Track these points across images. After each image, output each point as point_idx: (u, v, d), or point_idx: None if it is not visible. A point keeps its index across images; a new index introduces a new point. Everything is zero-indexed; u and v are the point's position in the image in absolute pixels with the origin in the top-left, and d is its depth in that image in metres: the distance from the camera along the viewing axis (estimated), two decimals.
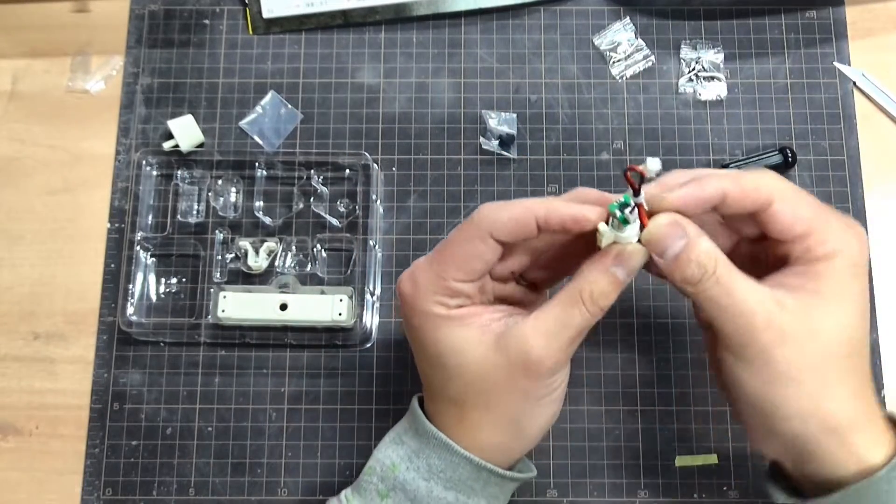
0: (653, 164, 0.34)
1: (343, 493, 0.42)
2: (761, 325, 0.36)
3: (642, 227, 0.37)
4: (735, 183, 0.37)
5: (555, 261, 0.42)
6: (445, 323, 0.39)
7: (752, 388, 0.37)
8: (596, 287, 0.37)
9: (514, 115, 0.57)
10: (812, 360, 0.36)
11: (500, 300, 0.42)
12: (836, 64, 0.59)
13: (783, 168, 0.55)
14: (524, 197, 0.42)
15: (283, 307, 0.52)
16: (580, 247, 0.39)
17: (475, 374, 0.38)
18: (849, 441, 0.36)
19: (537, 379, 0.38)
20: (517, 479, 0.42)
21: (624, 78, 0.59)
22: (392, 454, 0.41)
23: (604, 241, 0.37)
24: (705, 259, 0.36)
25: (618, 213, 0.36)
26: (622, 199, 0.36)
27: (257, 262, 0.54)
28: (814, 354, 0.36)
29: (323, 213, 0.56)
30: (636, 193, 0.36)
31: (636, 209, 0.36)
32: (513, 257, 0.41)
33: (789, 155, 0.55)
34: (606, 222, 0.37)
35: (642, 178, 0.35)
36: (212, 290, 0.54)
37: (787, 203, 0.37)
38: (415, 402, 0.42)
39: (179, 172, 0.56)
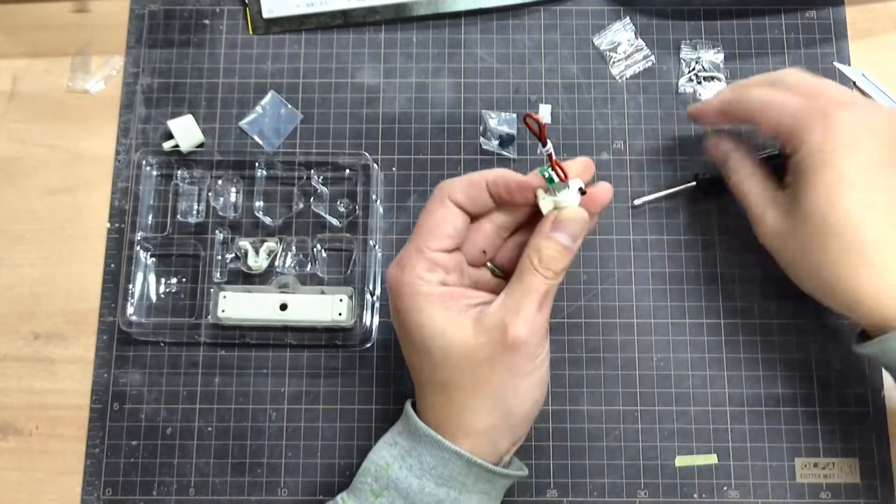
0: (544, 110, 0.41)
1: (339, 496, 0.43)
2: (756, 220, 0.47)
3: (564, 178, 0.40)
4: (733, 91, 0.49)
5: (520, 245, 0.44)
6: (428, 303, 0.40)
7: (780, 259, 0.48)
8: (543, 253, 0.40)
9: (514, 115, 0.57)
10: (796, 251, 0.45)
11: (477, 287, 0.44)
12: (836, 64, 0.59)
13: (700, 196, 0.56)
14: None
15: (283, 307, 0.52)
16: (529, 219, 0.43)
17: (460, 355, 0.40)
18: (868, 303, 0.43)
19: (518, 352, 0.40)
20: (508, 476, 0.42)
21: (624, 78, 0.59)
22: (385, 454, 0.42)
23: (543, 207, 0.40)
24: (724, 146, 0.51)
25: (546, 174, 0.39)
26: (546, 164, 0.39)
27: (257, 262, 0.54)
28: (796, 245, 0.44)
29: (323, 213, 0.56)
30: (543, 144, 0.39)
31: (548, 157, 0.39)
32: (479, 233, 0.43)
33: (700, 182, 0.55)
34: (546, 190, 0.40)
35: (542, 128, 0.38)
36: (212, 290, 0.54)
37: (773, 105, 0.46)
38: (408, 405, 0.43)
39: (179, 172, 0.56)
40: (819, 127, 0.43)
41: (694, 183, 0.55)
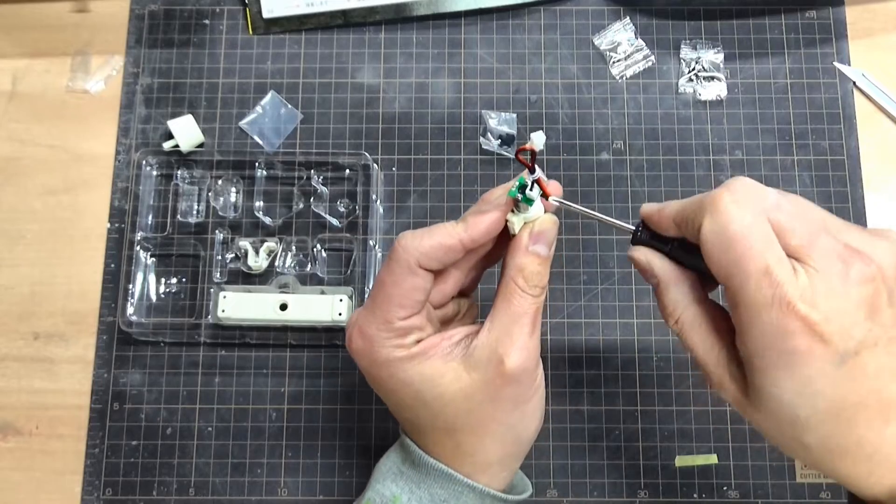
0: (538, 139, 0.36)
1: None
2: (716, 384, 0.36)
3: (545, 196, 0.38)
4: (665, 208, 0.37)
5: (476, 264, 0.42)
6: (409, 363, 0.38)
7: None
8: (525, 270, 0.38)
9: (514, 115, 0.57)
10: (769, 430, 0.35)
11: (445, 321, 0.42)
12: (836, 64, 0.59)
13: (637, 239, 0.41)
14: None
15: (283, 307, 0.52)
16: (499, 246, 0.40)
17: (459, 398, 0.38)
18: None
19: (518, 381, 0.38)
20: (519, 502, 0.41)
21: (624, 78, 0.59)
22: (392, 486, 0.40)
23: (516, 228, 0.38)
24: (670, 307, 0.36)
25: (519, 197, 0.37)
26: (517, 183, 0.37)
27: (257, 262, 0.54)
28: (768, 426, 0.35)
29: (323, 213, 0.56)
30: (532, 171, 0.37)
31: (535, 185, 0.37)
32: (447, 281, 0.41)
33: (640, 229, 0.38)
34: (512, 211, 0.38)
35: (533, 155, 0.36)
36: (212, 290, 0.54)
37: (716, 257, 0.33)
38: (405, 438, 0.41)
39: (179, 172, 0.56)
40: (768, 293, 0.32)
41: (631, 229, 0.39)
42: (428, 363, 0.38)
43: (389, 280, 0.38)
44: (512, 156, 0.57)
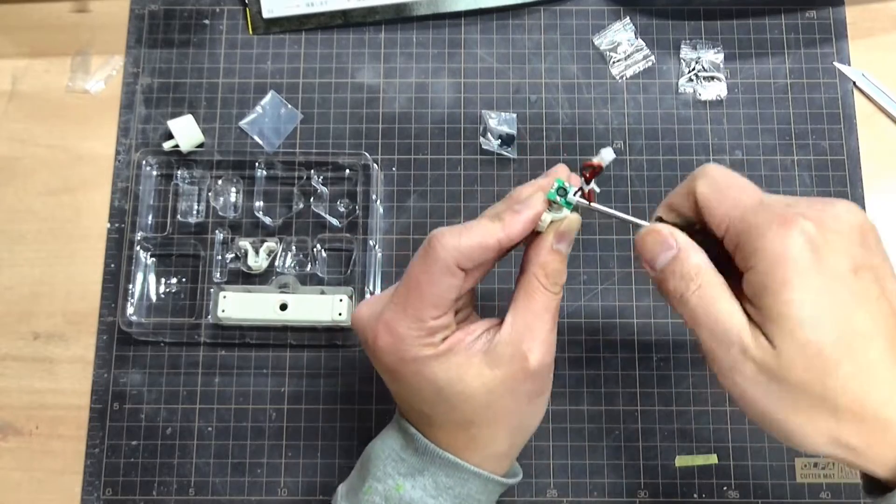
0: (607, 155, 0.38)
1: None
2: (737, 360, 0.34)
3: (588, 203, 0.39)
4: (679, 189, 0.38)
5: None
6: (436, 360, 0.38)
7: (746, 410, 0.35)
8: (548, 267, 0.38)
9: (514, 115, 0.57)
10: (781, 403, 0.34)
11: (460, 315, 0.42)
12: (836, 64, 0.59)
13: None
14: None
15: (283, 307, 0.52)
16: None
17: (479, 393, 0.38)
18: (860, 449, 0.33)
19: (540, 376, 0.39)
20: (513, 483, 0.42)
21: (624, 78, 0.59)
22: (393, 472, 0.40)
23: (544, 227, 0.39)
24: (693, 271, 0.35)
25: (559, 200, 0.38)
26: (556, 184, 0.38)
27: (257, 262, 0.54)
28: (780, 397, 0.34)
29: (323, 213, 0.56)
30: (588, 182, 0.38)
31: (579, 192, 0.38)
32: (470, 279, 0.40)
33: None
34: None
35: (596, 171, 0.38)
36: (212, 290, 0.54)
37: (715, 204, 0.35)
38: (406, 425, 0.41)
39: (179, 172, 0.56)
40: (780, 244, 0.33)
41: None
42: (454, 360, 0.38)
43: (426, 279, 0.37)
44: (512, 156, 0.57)
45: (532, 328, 0.38)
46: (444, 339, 0.39)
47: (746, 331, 0.33)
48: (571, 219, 0.39)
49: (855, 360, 0.32)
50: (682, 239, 0.36)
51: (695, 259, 0.35)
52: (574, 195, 0.38)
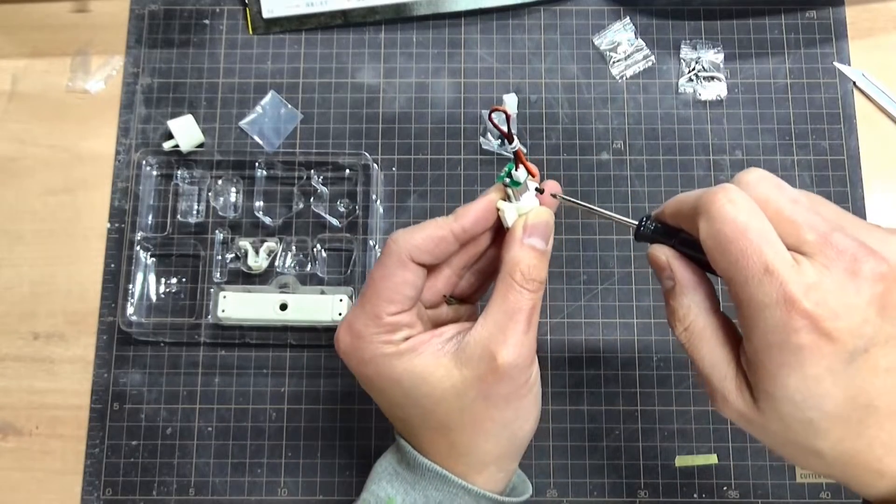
0: (510, 100, 0.36)
1: None
2: (720, 399, 0.34)
3: (531, 175, 0.38)
4: (675, 200, 0.36)
5: (477, 271, 0.42)
6: (398, 359, 0.37)
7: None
8: (521, 264, 0.37)
9: (515, 115, 0.57)
10: (767, 441, 0.34)
11: (438, 323, 0.41)
12: (836, 64, 0.59)
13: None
14: None
15: (283, 307, 0.52)
16: (498, 248, 0.39)
17: (451, 396, 0.37)
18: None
19: (511, 378, 0.37)
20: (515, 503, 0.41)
21: (624, 78, 0.59)
22: (387, 486, 0.40)
23: (508, 218, 0.38)
24: (682, 312, 0.34)
25: (507, 181, 0.37)
26: (505, 169, 0.37)
27: (257, 262, 0.54)
28: (776, 439, 0.33)
29: (323, 213, 0.56)
30: (509, 140, 0.36)
31: (522, 169, 0.37)
32: (438, 279, 0.40)
33: (643, 224, 0.37)
34: (506, 200, 0.38)
35: (508, 119, 0.36)
36: (212, 290, 0.54)
37: (717, 256, 0.32)
38: (402, 441, 0.40)
39: (179, 172, 0.56)
40: (773, 297, 0.30)
41: (633, 224, 0.38)
42: (417, 360, 0.37)
43: (379, 274, 0.38)
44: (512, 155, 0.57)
45: (503, 328, 0.36)
46: (407, 338, 0.38)
47: (731, 381, 0.33)
48: (538, 211, 0.38)
49: (847, 428, 0.31)
50: (680, 274, 0.35)
51: (686, 300, 0.34)
52: (516, 170, 0.37)
